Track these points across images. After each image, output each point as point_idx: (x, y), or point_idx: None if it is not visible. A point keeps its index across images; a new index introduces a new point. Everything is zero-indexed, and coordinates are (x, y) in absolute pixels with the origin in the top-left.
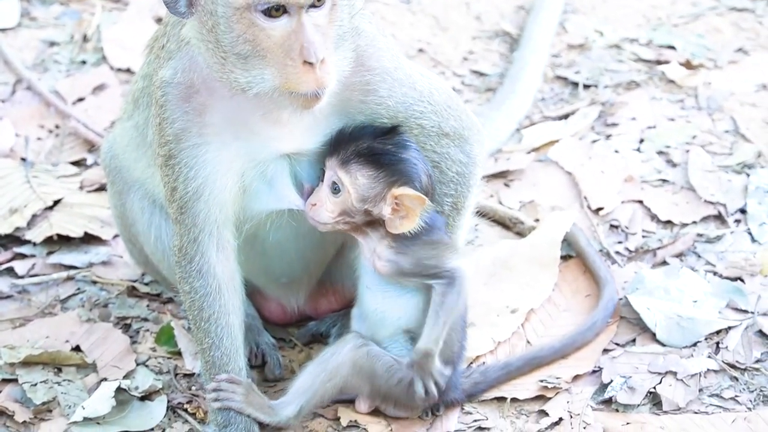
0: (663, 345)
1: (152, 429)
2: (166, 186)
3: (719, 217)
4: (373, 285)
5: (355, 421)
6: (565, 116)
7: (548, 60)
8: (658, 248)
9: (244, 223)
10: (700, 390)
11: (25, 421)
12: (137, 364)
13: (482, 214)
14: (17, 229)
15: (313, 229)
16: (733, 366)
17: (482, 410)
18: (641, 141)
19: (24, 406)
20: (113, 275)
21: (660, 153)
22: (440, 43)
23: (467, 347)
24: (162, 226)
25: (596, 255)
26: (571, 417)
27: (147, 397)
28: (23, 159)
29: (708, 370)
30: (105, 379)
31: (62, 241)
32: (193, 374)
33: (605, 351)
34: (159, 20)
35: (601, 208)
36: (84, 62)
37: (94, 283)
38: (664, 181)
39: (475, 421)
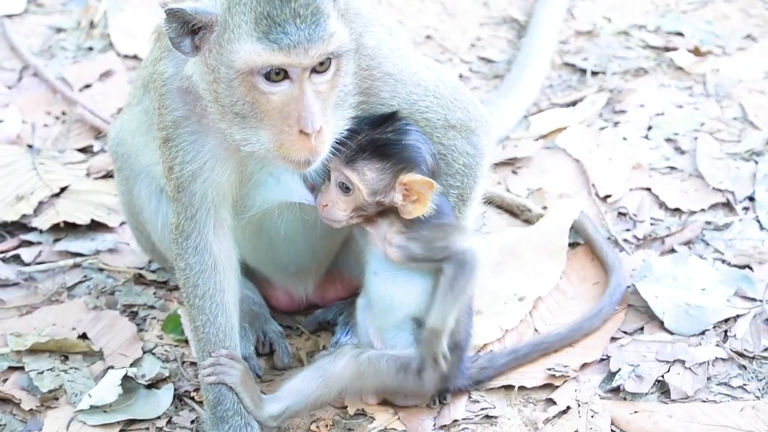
0: (671, 333)
1: (159, 417)
2: (163, 164)
3: (727, 205)
4: (381, 271)
5: (363, 409)
6: (573, 103)
7: (556, 47)
8: (667, 236)
9: (250, 209)
10: (708, 378)
11: (31, 409)
12: (144, 352)
13: (490, 201)
14: (24, 216)
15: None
16: (741, 354)
17: (490, 398)
18: (649, 128)
19: (30, 393)
20: (120, 263)
21: (668, 140)
22: (448, 29)
23: (474, 335)
24: (169, 213)
25: (604, 242)
26: (579, 405)
27: (154, 385)
28: (30, 146)
29: (716, 358)
30: (112, 367)
31: (69, 228)
32: None
33: (613, 339)
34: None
35: (609, 196)
36: (91, 49)
37: (101, 270)
38: (673, 168)
39: (483, 409)
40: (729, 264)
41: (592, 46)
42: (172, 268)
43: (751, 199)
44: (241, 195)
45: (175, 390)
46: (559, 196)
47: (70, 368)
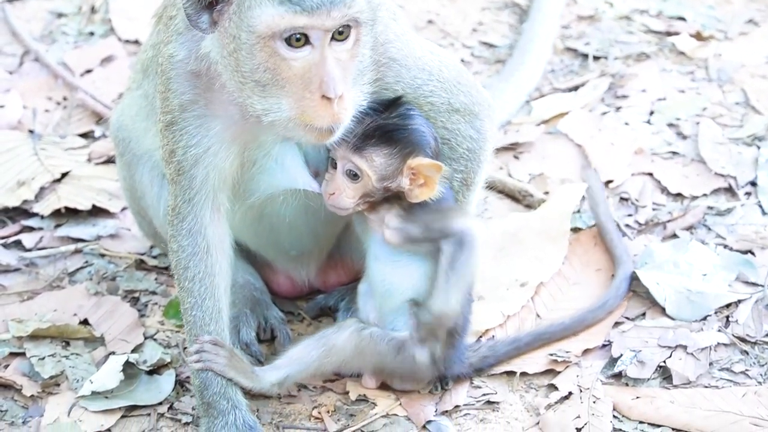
0: (673, 319)
1: (160, 403)
2: (164, 148)
3: (729, 190)
4: (381, 255)
5: (364, 395)
6: (575, 88)
7: (558, 31)
8: (668, 221)
9: (253, 195)
10: (710, 364)
11: (32, 395)
12: (145, 338)
13: (491, 186)
14: (25, 201)
15: (323, 203)
16: (743, 339)
17: (491, 384)
18: (651, 113)
19: (32, 379)
20: (121, 248)
21: (670, 125)
22: (449, 14)
23: (473, 321)
24: None
25: (615, 231)
26: (581, 391)
27: (155, 371)
28: (31, 131)
29: (718, 343)
30: (113, 353)
31: (70, 213)
32: None
33: (615, 325)
34: None
35: (611, 181)
36: (92, 34)
37: (102, 256)
38: (674, 153)
39: (485, 395)
40: (731, 249)
41: (593, 31)
42: None
43: (753, 184)
44: (244, 180)
45: (176, 376)
46: (561, 182)
47: (72, 354)
